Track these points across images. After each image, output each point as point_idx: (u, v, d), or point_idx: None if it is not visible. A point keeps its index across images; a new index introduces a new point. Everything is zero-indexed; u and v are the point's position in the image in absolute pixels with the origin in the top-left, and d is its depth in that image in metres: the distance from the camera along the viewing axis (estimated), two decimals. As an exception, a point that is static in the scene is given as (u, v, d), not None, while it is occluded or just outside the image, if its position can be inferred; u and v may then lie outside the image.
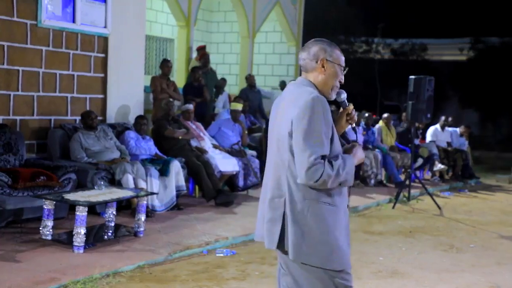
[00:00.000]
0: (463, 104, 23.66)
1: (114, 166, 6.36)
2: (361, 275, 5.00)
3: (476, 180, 12.19)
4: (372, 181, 10.26)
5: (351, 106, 2.69)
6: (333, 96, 2.58)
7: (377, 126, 11.40)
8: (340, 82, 2.57)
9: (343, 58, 2.56)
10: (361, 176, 10.22)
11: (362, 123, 11.11)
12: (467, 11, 26.43)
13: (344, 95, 2.62)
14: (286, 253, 2.44)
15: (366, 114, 11.27)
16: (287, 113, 2.40)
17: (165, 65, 8.87)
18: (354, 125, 2.72)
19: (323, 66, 2.50)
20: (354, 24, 24.19)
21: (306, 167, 2.31)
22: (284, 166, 2.42)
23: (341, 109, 2.70)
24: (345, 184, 2.42)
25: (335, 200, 2.43)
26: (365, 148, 10.62)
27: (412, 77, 8.87)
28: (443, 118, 12.37)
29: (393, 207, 8.36)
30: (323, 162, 2.33)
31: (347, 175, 2.40)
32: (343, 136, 10.53)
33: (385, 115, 11.57)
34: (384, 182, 10.61)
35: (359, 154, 2.55)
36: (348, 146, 2.59)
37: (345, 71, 2.56)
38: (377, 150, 10.66)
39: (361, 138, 10.81)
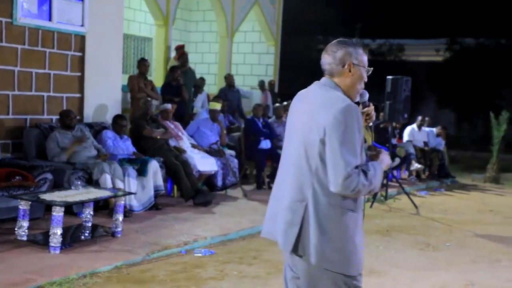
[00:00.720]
0: (439, 104, 23.94)
1: (92, 166, 6.29)
2: (339, 274, 5.02)
3: (452, 180, 12.35)
4: (350, 181, 10.31)
5: (372, 107, 2.69)
6: (358, 98, 2.58)
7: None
8: (364, 82, 2.58)
9: (366, 59, 2.56)
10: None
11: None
12: (443, 12, 26.76)
13: (366, 96, 2.64)
14: (300, 256, 2.43)
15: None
16: (318, 118, 2.39)
17: (143, 64, 8.82)
18: (370, 124, 2.74)
19: (350, 70, 2.49)
20: (332, 24, 24.31)
21: (342, 177, 2.31)
22: (311, 172, 2.41)
23: (361, 109, 2.67)
24: (373, 191, 2.47)
25: (357, 206, 2.45)
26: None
27: (389, 77, 8.96)
28: (420, 118, 12.51)
29: (371, 206, 8.43)
30: (358, 172, 2.34)
31: (377, 183, 2.43)
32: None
33: (363, 115, 11.64)
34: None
35: (386, 161, 2.58)
36: (373, 152, 2.60)
37: (369, 72, 2.57)
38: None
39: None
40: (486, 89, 22.33)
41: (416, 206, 8.51)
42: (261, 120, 9.34)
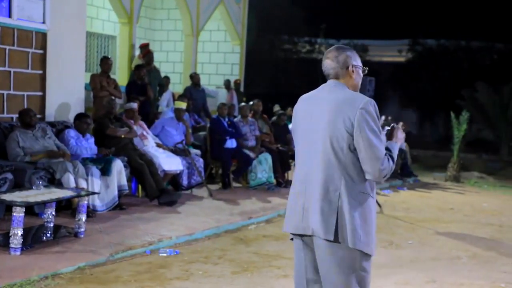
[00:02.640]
0: (402, 104, 24.36)
1: (55, 165, 6.17)
2: (304, 272, 5.06)
3: (414, 178, 12.58)
4: (315, 180, 10.39)
5: None
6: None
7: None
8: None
9: (359, 59, 2.87)
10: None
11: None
12: (406, 13, 27.21)
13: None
14: (339, 242, 2.62)
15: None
16: (343, 114, 2.64)
17: (105, 62, 8.70)
18: None
19: (352, 71, 2.79)
20: (297, 24, 24.46)
21: (379, 166, 2.62)
22: (340, 164, 2.65)
23: None
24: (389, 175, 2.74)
25: (373, 192, 2.74)
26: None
27: (353, 77, 9.05)
28: (383, 117, 12.70)
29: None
30: (387, 158, 2.67)
31: (395, 161, 2.74)
32: (286, 132, 10.63)
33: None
34: (327, 180, 10.77)
35: (400, 136, 2.87)
36: (389, 130, 2.89)
37: (365, 71, 2.88)
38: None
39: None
40: (447, 90, 22.82)
41: (379, 205, 8.62)
42: (226, 119, 9.34)
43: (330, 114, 2.67)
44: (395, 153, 2.77)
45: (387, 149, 2.73)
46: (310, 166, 2.75)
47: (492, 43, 27.22)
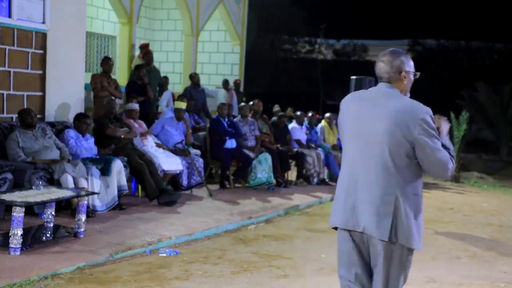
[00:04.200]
0: (402, 104, 24.34)
1: (53, 165, 6.18)
2: (304, 273, 5.07)
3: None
4: (315, 180, 10.42)
5: None
6: None
7: (319, 125, 11.58)
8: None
9: (413, 64, 2.94)
10: (304, 175, 10.36)
11: (306, 122, 11.26)
12: (406, 14, 27.22)
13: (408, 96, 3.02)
14: (393, 242, 2.80)
15: (310, 114, 11.43)
16: (401, 122, 2.75)
17: (106, 62, 8.71)
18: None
19: (405, 77, 2.88)
20: (297, 24, 24.47)
21: (449, 167, 2.79)
22: (397, 168, 2.79)
23: None
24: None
25: (422, 193, 2.89)
26: (308, 147, 10.78)
27: (353, 77, 9.05)
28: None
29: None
30: (451, 157, 2.82)
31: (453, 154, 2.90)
32: (286, 133, 10.64)
33: (328, 114, 11.77)
34: (327, 180, 10.79)
35: (445, 126, 2.99)
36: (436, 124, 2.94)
37: (417, 76, 2.95)
38: (320, 149, 10.83)
39: (304, 137, 10.96)
40: (447, 89, 22.82)
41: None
42: (226, 119, 9.34)
43: (390, 122, 2.77)
44: (449, 144, 2.90)
45: (443, 146, 2.84)
46: (364, 167, 2.86)
47: (492, 43, 27.26)
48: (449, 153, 2.84)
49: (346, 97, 3.02)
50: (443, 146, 2.84)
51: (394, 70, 2.86)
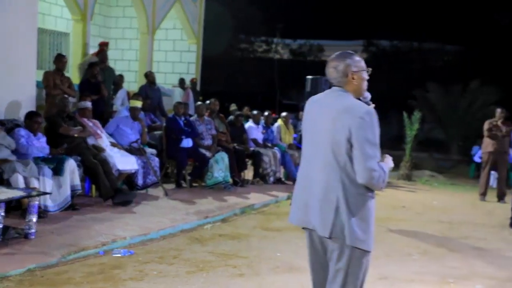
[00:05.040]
0: (357, 104, 24.72)
1: (3, 165, 6.01)
2: (259, 271, 5.09)
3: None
4: (271, 179, 10.48)
5: (373, 105, 3.13)
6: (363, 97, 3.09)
7: (276, 124, 11.65)
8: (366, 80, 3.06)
9: (363, 62, 3.02)
10: (260, 174, 10.40)
11: (262, 121, 11.30)
12: (360, 14, 27.66)
13: (369, 97, 3.19)
14: (335, 238, 2.87)
15: (266, 113, 11.48)
16: (343, 121, 2.83)
17: (60, 60, 8.53)
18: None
19: (353, 78, 2.96)
20: (254, 23, 24.54)
21: (369, 170, 2.78)
22: (339, 167, 2.86)
23: None
24: (383, 187, 2.91)
25: (374, 193, 2.92)
26: (264, 146, 10.83)
27: (309, 77, 9.15)
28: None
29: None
30: (380, 166, 2.84)
31: (385, 181, 2.89)
32: (243, 132, 10.66)
33: (284, 113, 11.85)
34: (283, 179, 10.87)
35: (390, 163, 3.02)
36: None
37: (369, 72, 3.03)
38: (276, 148, 10.90)
39: (260, 136, 11.00)
40: (400, 90, 23.32)
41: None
42: (182, 118, 9.29)
43: (332, 121, 2.88)
44: (387, 170, 2.91)
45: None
46: (313, 166, 2.98)
47: (443, 45, 27.98)
48: (384, 170, 2.85)
49: (308, 100, 3.13)
50: (383, 168, 2.85)
51: (341, 75, 2.96)
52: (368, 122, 2.80)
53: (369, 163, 2.79)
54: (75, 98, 9.03)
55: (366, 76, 3.02)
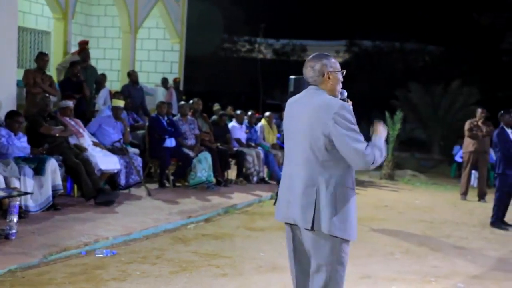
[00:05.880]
0: (340, 104, 24.85)
1: (-17, 165, 5.94)
2: (242, 271, 5.09)
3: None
4: (255, 179, 10.48)
5: (350, 102, 3.24)
6: (339, 96, 3.21)
7: (259, 124, 11.66)
8: (341, 81, 3.21)
9: (338, 63, 3.19)
10: (244, 174, 10.40)
11: (246, 121, 11.30)
12: (343, 15, 27.80)
13: (345, 94, 3.29)
14: (316, 230, 3.00)
15: (249, 113, 11.49)
16: (319, 117, 2.98)
17: (41, 58, 8.44)
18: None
19: (329, 78, 3.12)
20: (237, 23, 24.52)
21: (362, 156, 2.92)
22: (318, 162, 3.01)
23: None
24: (384, 158, 3.10)
25: (353, 184, 3.08)
26: (248, 146, 10.83)
27: (292, 77, 9.16)
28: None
29: (275, 203, 8.59)
30: (370, 147, 2.97)
31: (384, 151, 3.08)
32: (226, 132, 10.65)
33: (267, 113, 11.87)
34: (266, 179, 10.88)
35: (382, 130, 3.17)
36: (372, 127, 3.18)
37: (343, 74, 3.19)
38: (259, 148, 10.90)
39: (244, 136, 11.00)
40: (382, 90, 23.50)
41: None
42: (165, 118, 9.25)
43: (309, 118, 3.03)
44: (383, 142, 3.09)
45: (372, 141, 3.04)
46: (295, 164, 3.12)
47: (424, 45, 28.23)
48: (376, 145, 3.02)
49: (287, 102, 3.28)
50: (373, 140, 3.05)
51: (318, 74, 3.12)
52: (344, 114, 2.95)
53: (358, 147, 2.92)
54: (56, 98, 8.95)
55: (341, 77, 3.17)
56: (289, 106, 3.24)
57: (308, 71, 3.15)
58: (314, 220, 3.00)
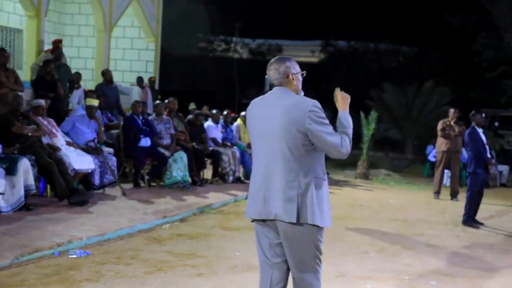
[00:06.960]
0: (315, 103, 24.98)
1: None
2: (217, 271, 5.09)
3: (327, 176, 12.93)
4: (231, 178, 10.48)
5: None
6: (301, 95, 3.33)
7: (235, 123, 11.66)
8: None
9: (298, 66, 3.33)
10: (219, 173, 10.39)
11: (221, 121, 11.29)
12: (319, 15, 27.95)
13: (302, 94, 3.37)
14: (301, 223, 3.11)
15: (225, 112, 11.48)
16: (293, 116, 3.12)
17: (2, 54, 8.27)
18: None
19: (293, 79, 3.27)
20: (213, 22, 24.45)
21: (339, 147, 3.12)
22: (294, 157, 3.14)
23: None
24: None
25: (324, 174, 3.25)
26: (223, 145, 10.81)
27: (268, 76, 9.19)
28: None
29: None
30: (343, 137, 3.16)
31: (351, 127, 3.25)
32: (202, 131, 10.62)
33: (243, 113, 11.85)
34: (242, 178, 10.89)
35: (342, 99, 3.35)
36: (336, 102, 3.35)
37: (304, 75, 3.34)
38: (235, 147, 10.90)
39: (220, 135, 10.99)
40: (357, 90, 23.69)
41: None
42: (140, 117, 9.19)
43: (282, 118, 3.14)
44: (348, 120, 3.25)
45: (340, 122, 3.23)
46: (269, 161, 3.21)
47: (398, 46, 28.54)
48: (346, 132, 3.20)
49: (250, 103, 3.37)
50: (342, 124, 3.23)
51: (282, 75, 3.25)
52: (317, 111, 3.12)
53: (334, 142, 3.11)
54: (28, 96, 8.81)
55: (301, 78, 3.33)
56: (254, 106, 3.33)
57: (273, 73, 3.27)
58: (299, 212, 3.11)
